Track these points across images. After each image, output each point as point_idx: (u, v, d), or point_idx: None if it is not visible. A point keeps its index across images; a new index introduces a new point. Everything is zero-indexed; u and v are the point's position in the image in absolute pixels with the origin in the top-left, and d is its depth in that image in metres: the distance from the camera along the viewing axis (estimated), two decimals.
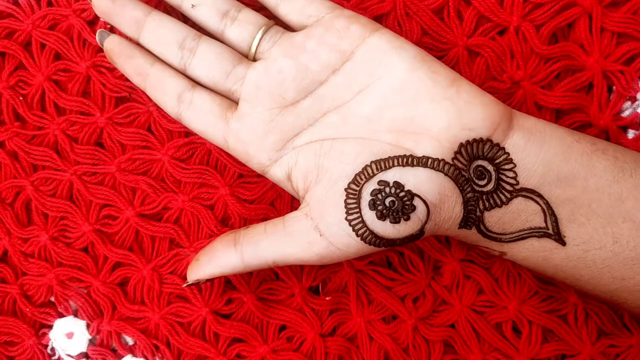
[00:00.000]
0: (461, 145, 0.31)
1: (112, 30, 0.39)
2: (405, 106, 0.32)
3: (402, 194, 0.31)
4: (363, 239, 0.32)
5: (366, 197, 0.31)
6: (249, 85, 0.34)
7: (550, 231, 0.31)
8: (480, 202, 0.31)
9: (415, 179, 0.31)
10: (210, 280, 0.36)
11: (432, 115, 0.31)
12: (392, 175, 0.31)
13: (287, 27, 0.35)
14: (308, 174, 0.33)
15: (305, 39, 0.33)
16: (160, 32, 0.35)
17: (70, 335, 0.42)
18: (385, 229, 0.32)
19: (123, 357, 0.41)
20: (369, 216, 0.31)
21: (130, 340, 0.42)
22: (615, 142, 0.35)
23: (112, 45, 0.36)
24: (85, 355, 0.42)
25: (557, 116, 0.36)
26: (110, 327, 0.41)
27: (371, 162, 0.32)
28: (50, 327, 0.42)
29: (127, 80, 0.39)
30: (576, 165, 0.31)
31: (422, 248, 0.38)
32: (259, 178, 0.39)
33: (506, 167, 0.31)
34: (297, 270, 0.39)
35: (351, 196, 0.32)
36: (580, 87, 0.35)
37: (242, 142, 0.34)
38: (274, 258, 0.34)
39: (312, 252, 0.33)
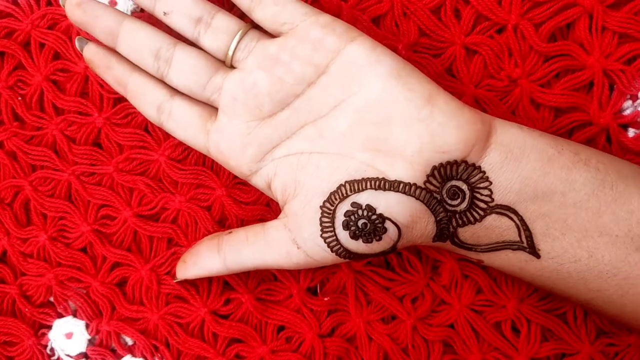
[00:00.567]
0: (434, 168, 0.31)
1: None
2: (378, 126, 0.31)
3: (373, 217, 0.31)
4: (338, 255, 0.33)
5: (340, 217, 0.32)
6: (225, 98, 0.34)
7: (525, 245, 0.31)
8: (453, 219, 0.32)
9: (387, 203, 0.31)
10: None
11: (404, 138, 0.31)
12: (365, 197, 0.31)
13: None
14: (286, 186, 0.33)
15: (279, 50, 0.32)
16: (134, 42, 0.34)
17: (69, 336, 0.42)
18: (359, 247, 0.32)
19: (122, 357, 0.41)
20: (343, 235, 0.32)
21: (129, 341, 0.42)
22: (615, 140, 0.35)
23: (90, 55, 0.36)
24: (84, 355, 0.42)
25: (556, 114, 0.36)
26: (110, 328, 0.41)
27: (345, 182, 0.32)
28: (49, 327, 0.42)
29: None
30: (555, 180, 0.30)
31: (419, 248, 0.38)
32: None
33: (481, 185, 0.31)
34: (295, 271, 0.39)
35: (326, 215, 0.32)
36: (580, 86, 0.35)
37: (222, 154, 0.34)
38: (254, 264, 0.35)
39: (290, 261, 0.33)
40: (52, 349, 0.42)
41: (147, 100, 0.35)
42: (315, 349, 0.39)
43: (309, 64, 0.32)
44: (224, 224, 0.40)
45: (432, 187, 0.31)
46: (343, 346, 0.39)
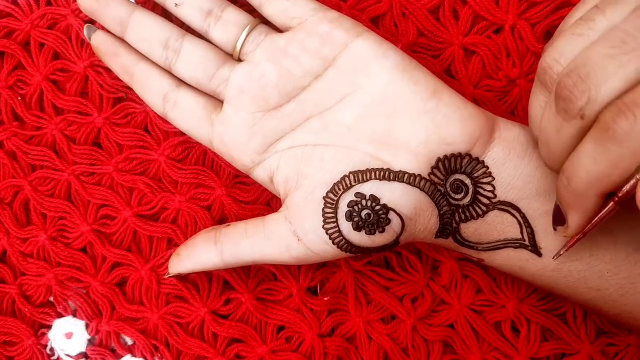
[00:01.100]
0: (439, 160, 0.31)
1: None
2: (384, 118, 0.32)
3: (377, 207, 0.31)
4: (339, 247, 0.32)
5: (343, 208, 0.32)
6: (232, 89, 0.34)
7: (527, 243, 0.31)
8: (457, 214, 0.32)
9: (391, 194, 0.31)
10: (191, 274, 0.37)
11: (410, 129, 0.31)
12: (369, 188, 0.31)
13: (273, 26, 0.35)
14: (289, 179, 0.34)
15: (287, 43, 0.33)
16: (143, 32, 0.35)
17: (69, 336, 0.42)
18: (361, 239, 0.32)
19: (122, 357, 0.41)
20: (346, 227, 0.32)
21: (129, 341, 0.42)
22: None
23: (98, 43, 0.36)
24: (84, 355, 0.42)
25: None
26: (110, 328, 0.41)
27: (350, 172, 0.32)
28: (49, 327, 0.42)
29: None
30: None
31: (419, 248, 0.38)
32: None
33: (484, 180, 0.31)
34: (295, 270, 0.39)
35: (329, 206, 0.32)
36: None
37: (226, 145, 0.35)
38: (253, 258, 0.34)
39: (289, 255, 0.33)
40: (52, 349, 0.42)
41: (153, 89, 0.35)
42: (315, 349, 0.39)
43: (317, 57, 0.32)
44: (224, 223, 0.40)
45: (436, 180, 0.31)
46: (343, 346, 0.39)
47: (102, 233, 0.41)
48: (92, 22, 0.38)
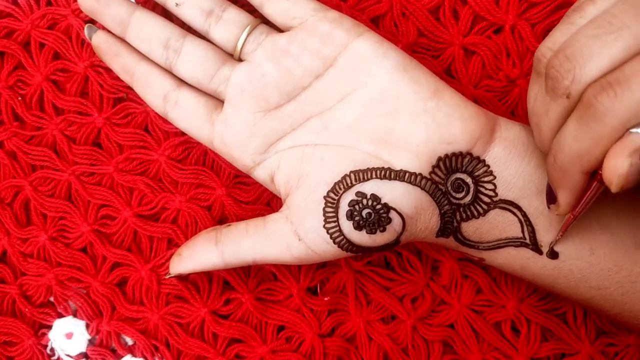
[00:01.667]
0: (439, 159, 0.31)
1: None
2: (384, 118, 0.32)
3: (378, 206, 0.31)
4: (340, 247, 0.32)
5: (344, 207, 0.32)
6: (233, 89, 0.34)
7: (528, 241, 0.31)
8: (457, 213, 0.32)
9: (392, 193, 0.31)
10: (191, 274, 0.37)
11: (411, 128, 0.31)
12: (370, 187, 0.31)
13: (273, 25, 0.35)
14: (289, 178, 0.34)
15: (288, 43, 0.33)
16: (144, 32, 0.35)
17: (69, 336, 0.42)
18: (362, 238, 0.32)
19: (122, 357, 0.41)
20: (346, 226, 0.32)
21: (129, 341, 0.42)
22: None
23: (98, 43, 0.36)
24: (84, 355, 0.42)
25: None
26: (110, 328, 0.41)
27: (350, 172, 0.32)
28: (49, 327, 0.42)
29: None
30: None
31: (419, 248, 0.38)
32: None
33: (485, 179, 0.31)
34: (295, 270, 0.39)
35: (329, 205, 0.32)
36: None
37: (226, 145, 0.35)
38: (253, 258, 0.34)
39: (290, 255, 0.33)
40: (52, 349, 0.42)
41: (153, 88, 0.36)
42: (315, 349, 0.39)
43: (317, 56, 0.32)
44: (224, 223, 0.40)
45: (437, 179, 0.31)
46: (343, 346, 0.39)
47: (102, 233, 0.41)
48: (92, 22, 0.38)
